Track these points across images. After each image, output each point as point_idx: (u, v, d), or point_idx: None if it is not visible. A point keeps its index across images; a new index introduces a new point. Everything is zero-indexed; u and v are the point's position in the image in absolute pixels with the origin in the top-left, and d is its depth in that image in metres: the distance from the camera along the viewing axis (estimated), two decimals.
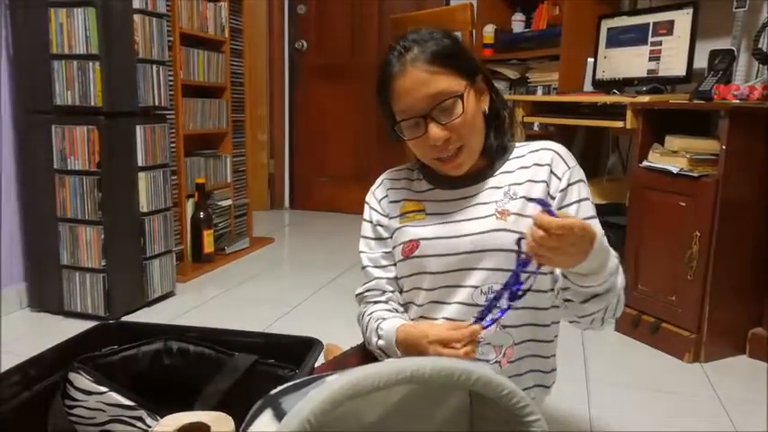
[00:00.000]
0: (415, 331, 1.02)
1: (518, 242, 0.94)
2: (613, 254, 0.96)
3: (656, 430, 1.50)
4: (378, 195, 1.19)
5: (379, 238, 1.17)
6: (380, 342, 1.08)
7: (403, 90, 1.02)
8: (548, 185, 1.06)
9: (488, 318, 0.98)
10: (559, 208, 1.05)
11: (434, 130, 1.01)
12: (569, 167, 1.07)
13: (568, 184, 1.06)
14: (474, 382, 0.67)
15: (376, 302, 1.15)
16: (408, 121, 1.04)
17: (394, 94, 1.04)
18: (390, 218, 1.15)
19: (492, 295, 1.01)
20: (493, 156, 1.11)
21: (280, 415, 0.68)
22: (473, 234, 1.05)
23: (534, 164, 1.08)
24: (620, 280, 0.99)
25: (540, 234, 0.84)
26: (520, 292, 0.95)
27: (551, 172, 1.07)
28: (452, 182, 1.11)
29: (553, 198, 1.06)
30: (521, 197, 1.06)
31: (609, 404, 1.62)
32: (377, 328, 1.09)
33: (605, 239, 1.00)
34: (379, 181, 1.22)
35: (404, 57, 1.03)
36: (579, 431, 1.49)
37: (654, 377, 1.80)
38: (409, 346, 1.02)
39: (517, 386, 0.69)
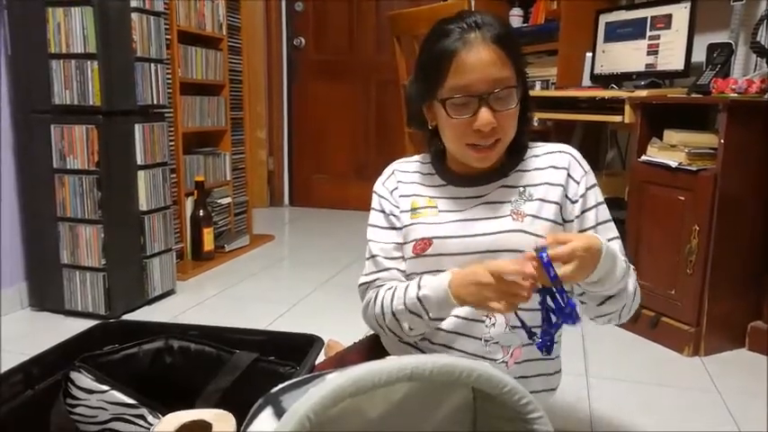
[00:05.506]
0: (469, 268, 0.95)
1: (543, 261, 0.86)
2: (622, 258, 0.97)
3: (656, 424, 1.50)
4: (389, 186, 1.15)
5: (392, 228, 1.13)
6: (422, 292, 0.99)
7: (468, 65, 0.98)
8: (565, 189, 1.06)
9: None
10: (582, 212, 1.06)
11: (486, 115, 0.98)
12: (585, 172, 1.08)
13: (586, 189, 1.07)
14: (475, 378, 0.67)
15: (391, 287, 1.08)
16: (459, 98, 1.00)
17: (453, 68, 0.99)
18: (401, 211, 1.12)
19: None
20: (513, 155, 1.10)
21: (280, 413, 0.68)
22: (488, 234, 1.03)
23: (550, 166, 1.08)
24: (632, 281, 1.01)
25: (572, 261, 0.85)
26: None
27: (569, 176, 1.06)
28: (466, 179, 1.10)
29: (573, 202, 1.06)
30: (537, 199, 1.05)
31: (609, 398, 1.62)
32: (417, 283, 1.01)
33: (616, 243, 1.03)
34: (388, 171, 1.18)
35: (474, 33, 0.99)
36: (579, 426, 1.50)
37: (653, 371, 1.81)
38: (465, 278, 0.94)
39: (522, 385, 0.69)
